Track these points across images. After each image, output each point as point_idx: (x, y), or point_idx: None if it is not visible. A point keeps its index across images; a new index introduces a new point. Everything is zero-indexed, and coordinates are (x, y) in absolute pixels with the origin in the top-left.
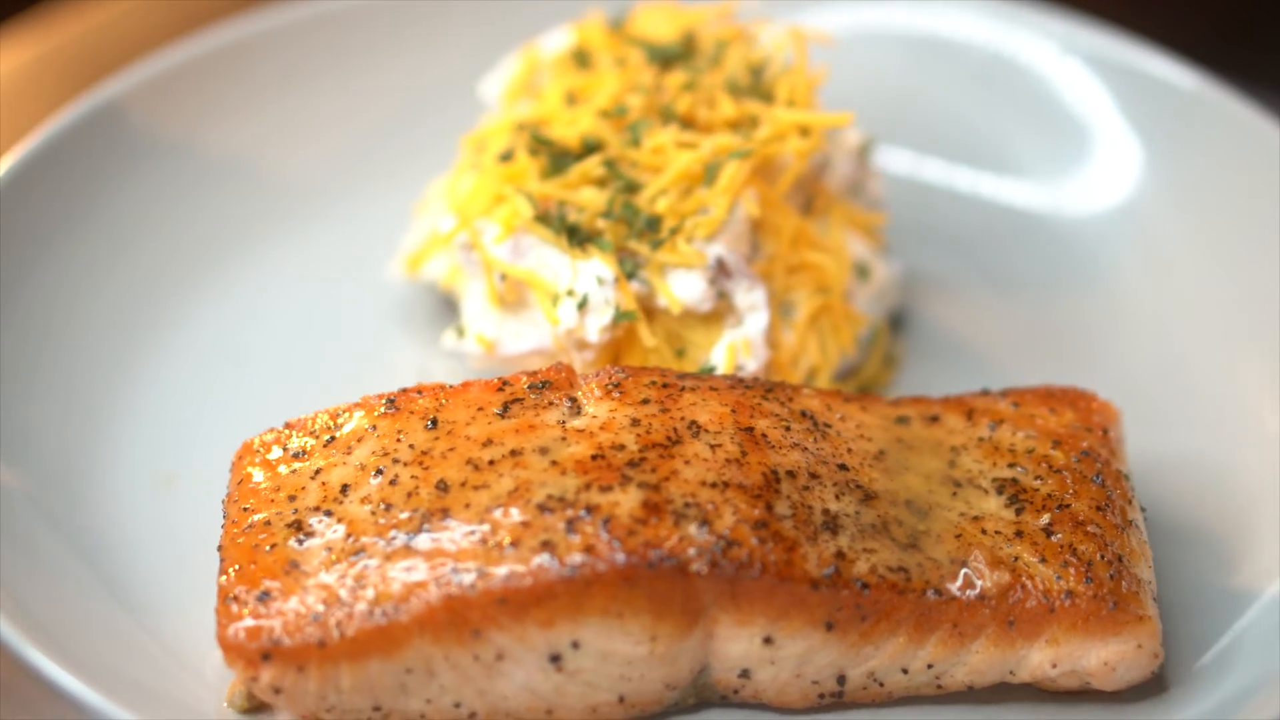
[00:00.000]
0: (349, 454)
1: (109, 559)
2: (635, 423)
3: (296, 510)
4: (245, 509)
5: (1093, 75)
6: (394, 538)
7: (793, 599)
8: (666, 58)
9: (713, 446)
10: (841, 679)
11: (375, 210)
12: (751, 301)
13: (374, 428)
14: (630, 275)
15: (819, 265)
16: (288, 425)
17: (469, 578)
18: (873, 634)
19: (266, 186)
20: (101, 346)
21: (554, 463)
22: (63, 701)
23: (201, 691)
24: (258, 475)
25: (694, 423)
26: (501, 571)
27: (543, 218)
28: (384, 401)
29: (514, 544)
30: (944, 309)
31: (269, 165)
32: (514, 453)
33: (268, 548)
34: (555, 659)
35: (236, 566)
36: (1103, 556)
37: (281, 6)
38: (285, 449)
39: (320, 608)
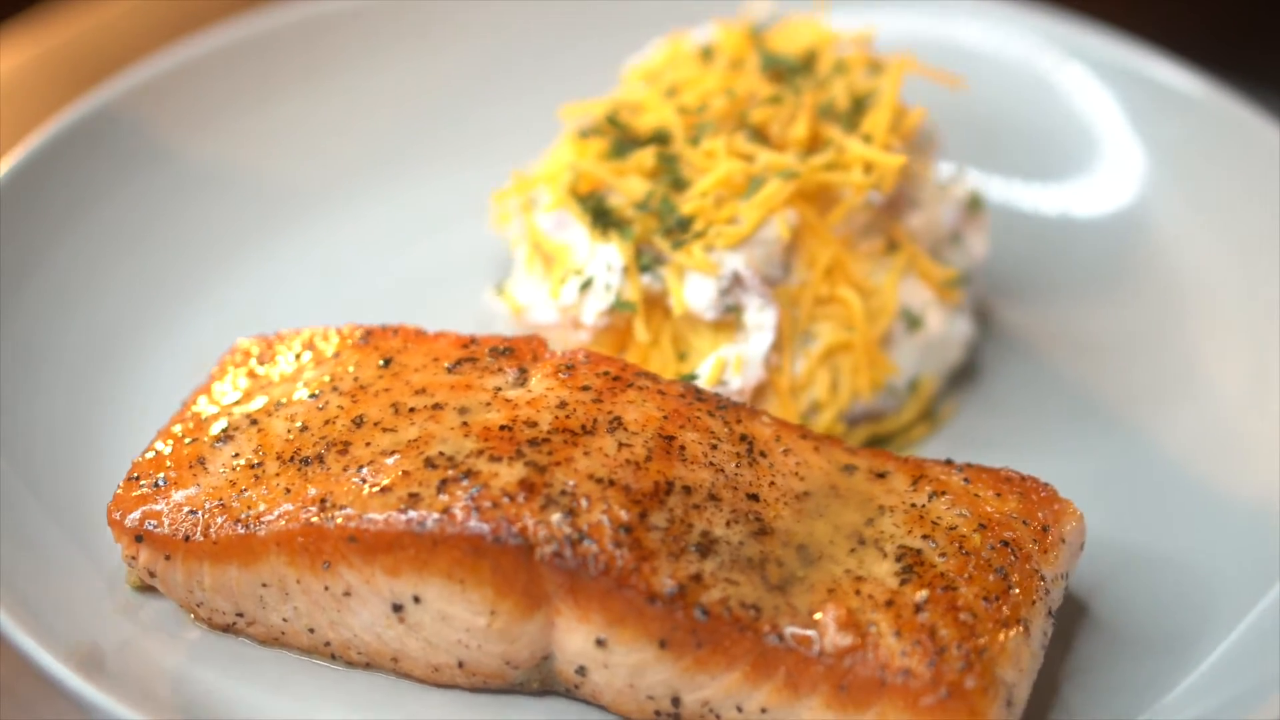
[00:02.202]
0: (306, 373)
1: (111, 554)
2: (562, 405)
3: (232, 414)
4: (199, 401)
5: (1095, 79)
6: (291, 459)
7: (629, 607)
8: (780, 69)
9: (621, 445)
10: (676, 700)
11: (378, 213)
12: (760, 321)
13: (338, 354)
14: (646, 269)
15: (848, 301)
16: (278, 335)
17: (331, 510)
18: (708, 663)
19: (269, 188)
20: (101, 346)
21: (465, 424)
22: (64, 699)
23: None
24: (230, 374)
25: (618, 419)
26: (359, 512)
27: (582, 197)
28: (361, 333)
29: (385, 489)
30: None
31: (271, 167)
32: (437, 406)
33: (189, 440)
34: (398, 608)
35: (156, 450)
36: (960, 646)
37: (285, 5)
38: (264, 356)
39: (200, 506)
